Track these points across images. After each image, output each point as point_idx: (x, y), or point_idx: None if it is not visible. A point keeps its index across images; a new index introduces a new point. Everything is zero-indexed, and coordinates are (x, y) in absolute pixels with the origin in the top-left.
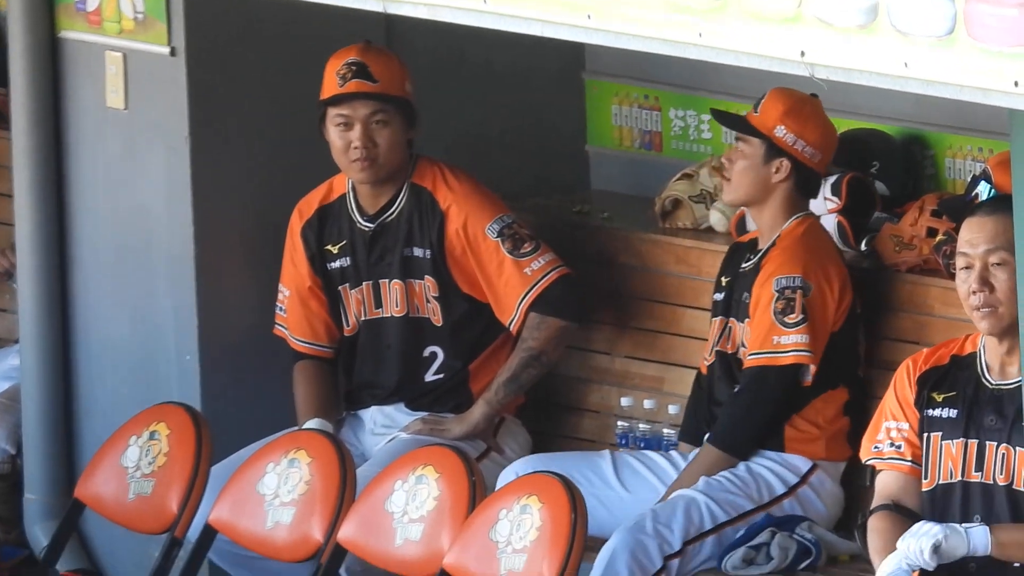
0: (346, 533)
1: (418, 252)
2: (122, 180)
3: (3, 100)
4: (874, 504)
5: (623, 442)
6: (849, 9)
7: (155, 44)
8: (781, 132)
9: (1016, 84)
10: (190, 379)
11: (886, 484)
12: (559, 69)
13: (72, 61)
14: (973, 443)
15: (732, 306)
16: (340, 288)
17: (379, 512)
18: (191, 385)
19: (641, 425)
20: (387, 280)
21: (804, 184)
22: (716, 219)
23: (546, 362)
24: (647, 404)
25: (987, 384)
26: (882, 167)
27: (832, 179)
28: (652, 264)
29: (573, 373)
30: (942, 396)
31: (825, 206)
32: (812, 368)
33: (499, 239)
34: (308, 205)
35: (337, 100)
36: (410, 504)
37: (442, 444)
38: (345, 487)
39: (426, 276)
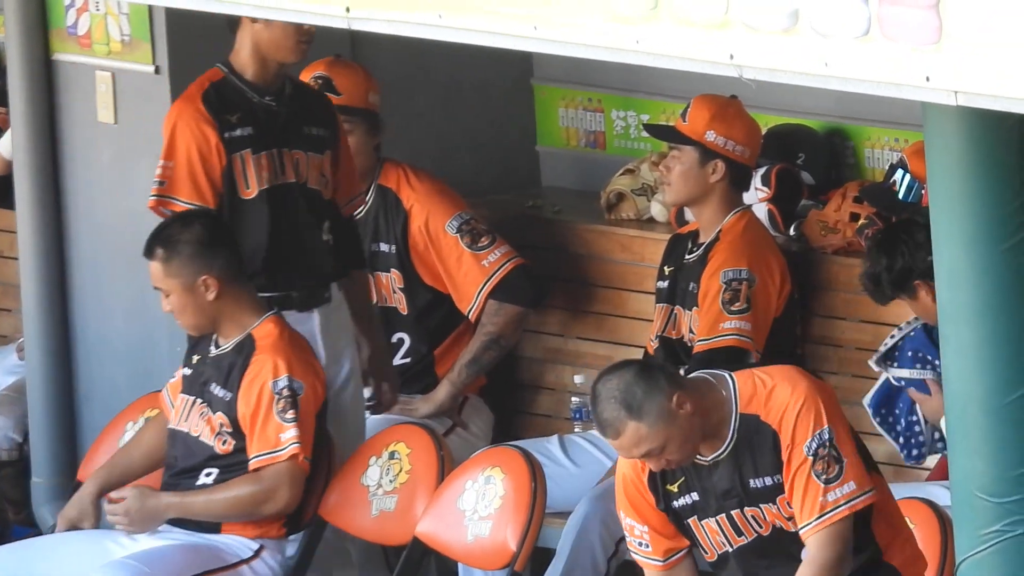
0: (326, 507)
1: (384, 247)
2: (114, 187)
3: (3, 118)
4: None
5: (577, 416)
6: (772, 13)
7: (141, 63)
8: (712, 136)
9: (928, 79)
10: None
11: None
12: (510, 77)
13: (65, 81)
14: (723, 517)
15: (678, 294)
16: None
17: (356, 486)
18: None
19: None
20: None
21: (738, 179)
22: (657, 210)
23: (505, 345)
24: None
25: (700, 462)
26: (807, 158)
27: (762, 170)
28: (599, 252)
29: (530, 354)
30: (675, 485)
31: (756, 195)
32: (754, 355)
33: (458, 234)
34: None
35: None
36: (384, 478)
37: (411, 422)
38: (330, 464)
39: (392, 269)
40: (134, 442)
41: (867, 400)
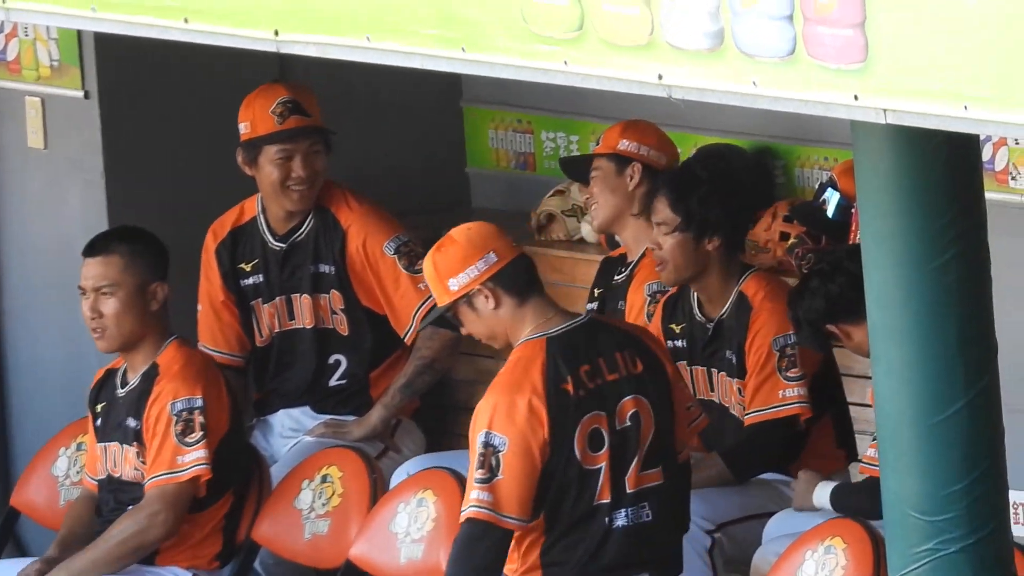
0: (259, 530)
1: (324, 268)
2: (45, 213)
3: None
4: None
5: None
6: (697, 34)
7: (70, 88)
8: (624, 144)
9: (856, 97)
10: None
11: None
12: (439, 99)
13: None
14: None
15: (606, 315)
16: (253, 303)
17: (288, 510)
18: None
19: None
20: (298, 295)
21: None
22: (587, 231)
23: (439, 369)
24: None
25: None
26: None
27: None
28: None
29: (461, 376)
30: None
31: None
32: None
33: (396, 256)
34: (222, 226)
35: (279, 137)
36: (316, 501)
37: (344, 445)
38: (260, 488)
39: (332, 290)
40: (73, 520)
41: None
